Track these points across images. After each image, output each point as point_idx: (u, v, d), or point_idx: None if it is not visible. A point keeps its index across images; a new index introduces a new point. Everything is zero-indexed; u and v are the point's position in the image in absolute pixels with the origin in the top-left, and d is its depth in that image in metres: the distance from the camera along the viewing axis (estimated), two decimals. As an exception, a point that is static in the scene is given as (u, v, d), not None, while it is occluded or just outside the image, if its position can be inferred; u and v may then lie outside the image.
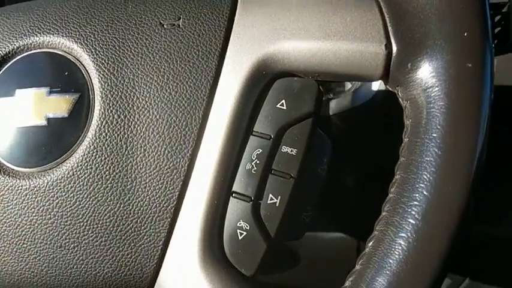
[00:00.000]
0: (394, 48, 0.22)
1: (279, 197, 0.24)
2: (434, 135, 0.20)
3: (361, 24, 0.23)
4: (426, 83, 0.20)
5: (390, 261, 0.20)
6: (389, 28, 0.22)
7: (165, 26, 0.26)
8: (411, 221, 0.19)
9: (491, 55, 0.20)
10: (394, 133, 0.23)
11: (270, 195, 0.24)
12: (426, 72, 0.20)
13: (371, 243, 0.21)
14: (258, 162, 0.24)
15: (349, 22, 0.23)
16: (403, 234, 0.20)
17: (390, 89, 0.23)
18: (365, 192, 0.44)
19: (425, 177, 0.20)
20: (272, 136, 0.24)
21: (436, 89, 0.20)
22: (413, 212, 0.20)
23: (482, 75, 0.20)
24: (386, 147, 0.25)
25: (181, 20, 0.26)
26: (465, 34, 0.20)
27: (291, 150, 0.24)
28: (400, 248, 0.20)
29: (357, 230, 0.45)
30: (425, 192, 0.19)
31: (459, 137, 0.19)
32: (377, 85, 0.41)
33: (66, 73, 0.26)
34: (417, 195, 0.20)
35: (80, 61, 0.26)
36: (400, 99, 0.22)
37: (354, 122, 0.43)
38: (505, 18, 0.43)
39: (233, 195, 0.24)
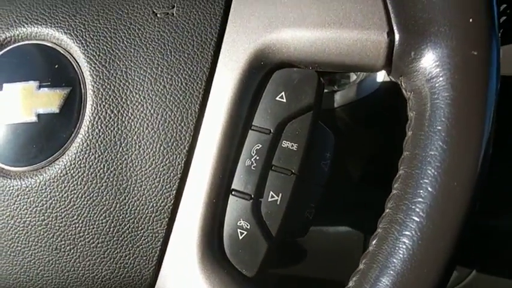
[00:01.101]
0: (397, 36, 0.22)
1: (280, 195, 0.24)
2: (439, 127, 0.20)
3: (361, 11, 0.23)
4: (430, 73, 0.20)
5: (394, 260, 0.20)
6: (392, 15, 0.22)
7: (158, 14, 0.26)
8: (415, 218, 0.20)
9: (498, 42, 0.20)
10: (400, 125, 0.22)
11: (271, 193, 0.24)
12: (430, 61, 0.20)
13: (374, 241, 0.21)
14: (257, 158, 0.24)
15: (349, 9, 0.23)
16: (407, 233, 0.20)
17: (393, 79, 0.23)
18: (370, 185, 0.44)
19: (429, 172, 0.19)
20: (272, 130, 0.24)
21: (441, 79, 0.20)
22: (417, 210, 0.20)
23: (488, 63, 0.19)
24: (392, 140, 0.25)
25: (175, 8, 0.26)
26: (470, 20, 0.19)
27: (292, 145, 0.24)
28: (404, 247, 0.20)
29: (363, 225, 0.45)
30: (429, 189, 0.19)
31: (465, 130, 0.19)
32: (382, 76, 0.41)
33: (56, 66, 0.26)
34: (421, 191, 0.20)
35: (70, 53, 0.26)
36: (403, 91, 0.22)
37: (360, 114, 0.43)
38: (511, 7, 0.42)
39: (232, 193, 0.25)
